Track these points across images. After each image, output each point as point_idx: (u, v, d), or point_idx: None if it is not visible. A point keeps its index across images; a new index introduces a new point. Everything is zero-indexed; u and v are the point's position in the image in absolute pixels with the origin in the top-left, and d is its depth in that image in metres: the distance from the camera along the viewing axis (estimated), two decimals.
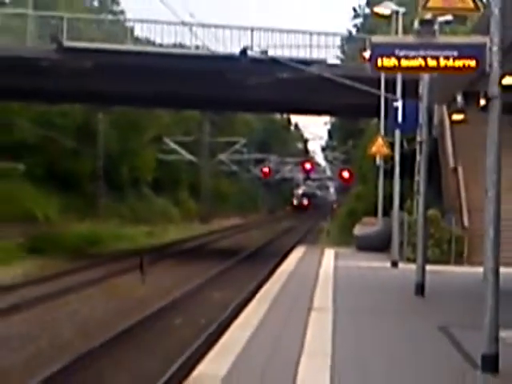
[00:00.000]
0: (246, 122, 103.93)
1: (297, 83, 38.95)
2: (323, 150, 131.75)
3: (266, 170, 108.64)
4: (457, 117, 29.01)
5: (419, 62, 12.59)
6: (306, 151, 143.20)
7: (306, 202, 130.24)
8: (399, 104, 28.82)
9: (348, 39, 53.51)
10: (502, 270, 12.23)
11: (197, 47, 42.06)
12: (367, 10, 73.79)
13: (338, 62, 42.70)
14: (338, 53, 44.71)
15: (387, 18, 35.10)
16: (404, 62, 12.61)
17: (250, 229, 78.02)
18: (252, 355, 12.80)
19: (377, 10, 35.63)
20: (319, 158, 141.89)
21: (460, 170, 35.15)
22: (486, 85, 12.39)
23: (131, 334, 19.76)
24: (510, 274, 15.14)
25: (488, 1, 14.15)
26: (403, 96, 29.72)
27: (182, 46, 43.95)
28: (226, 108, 67.53)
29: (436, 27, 13.29)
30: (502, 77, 12.46)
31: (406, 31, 27.96)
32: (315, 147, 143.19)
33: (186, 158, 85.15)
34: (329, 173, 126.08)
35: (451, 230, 32.74)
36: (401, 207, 31.00)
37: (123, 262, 37.06)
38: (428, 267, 22.21)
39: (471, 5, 13.48)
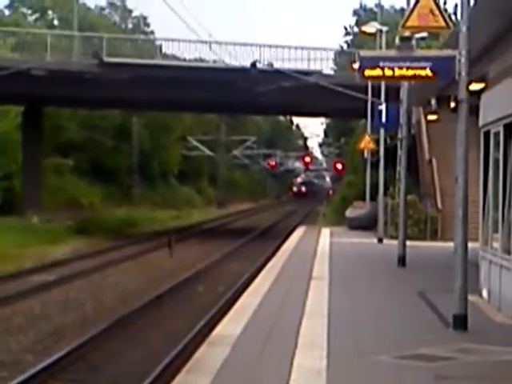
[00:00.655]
0: (255, 123, 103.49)
1: (298, 90, 38.85)
2: (320, 145, 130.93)
3: (272, 162, 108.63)
4: (431, 117, 29.05)
5: (400, 72, 12.65)
6: (306, 147, 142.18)
7: (304, 189, 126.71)
8: (383, 107, 28.73)
9: (340, 53, 53.39)
10: (469, 244, 12.28)
11: (214, 61, 42.21)
12: (356, 29, 73.47)
13: (331, 72, 42.57)
14: (332, 65, 44.57)
15: (373, 35, 34.96)
16: (387, 72, 12.63)
17: (259, 212, 77.76)
18: (262, 317, 12.84)
19: (364, 28, 35.52)
20: (317, 152, 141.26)
21: (434, 161, 35.01)
22: (455, 90, 12.46)
23: (162, 300, 19.78)
24: (475, 248, 15.15)
25: (457, 20, 14.21)
26: (386, 100, 29.58)
27: (201, 60, 44.01)
28: (238, 111, 67.29)
29: (413, 43, 13.32)
30: (469, 83, 12.52)
31: (388, 46, 27.93)
32: (313, 144, 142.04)
33: (205, 154, 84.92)
34: (325, 165, 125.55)
35: (427, 212, 32.71)
36: (385, 193, 30.91)
37: (154, 241, 37.04)
38: (408, 243, 22.20)
39: (443, 23, 13.47)
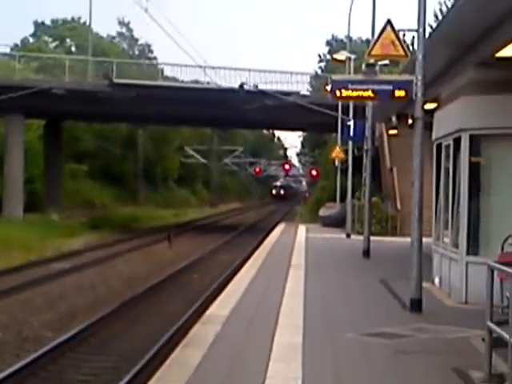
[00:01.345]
0: (243, 135, 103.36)
1: (279, 108, 38.87)
2: (298, 155, 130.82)
3: (257, 169, 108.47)
4: (392, 132, 29.00)
5: (366, 93, 12.70)
6: (286, 156, 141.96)
7: (282, 192, 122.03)
8: (351, 123, 28.75)
9: (315, 77, 53.53)
10: (424, 239, 12.34)
11: (208, 83, 42.07)
12: (328, 57, 73.58)
13: (308, 93, 42.52)
14: (308, 86, 44.58)
15: (343, 62, 34.98)
16: (355, 93, 12.69)
17: (245, 211, 77.73)
18: (248, 299, 12.86)
19: (335, 56, 35.49)
20: (295, 161, 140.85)
21: (394, 169, 35.10)
22: (412, 109, 12.51)
23: (162, 285, 19.76)
24: (428, 242, 15.21)
25: (414, 50, 14.25)
26: (354, 117, 29.60)
27: (197, 81, 43.95)
28: (228, 126, 67.24)
29: (377, 68, 13.32)
30: (424, 103, 12.57)
31: (356, 71, 27.96)
32: (292, 153, 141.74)
33: (200, 161, 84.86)
34: (302, 171, 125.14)
35: (388, 212, 32.83)
36: (353, 196, 31.00)
37: (156, 235, 37.00)
38: (372, 238, 22.21)
39: (402, 52, 13.51)
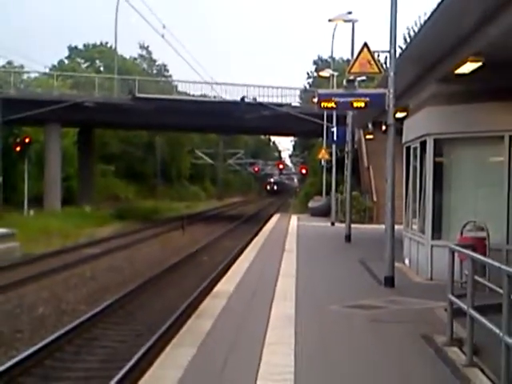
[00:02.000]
0: (244, 140, 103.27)
1: (274, 117, 38.84)
2: (290, 156, 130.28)
3: (256, 168, 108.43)
4: (368, 136, 29.05)
5: (346, 104, 12.72)
6: (280, 157, 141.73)
7: (275, 187, 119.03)
8: (334, 129, 28.68)
9: (304, 91, 53.29)
10: (396, 226, 12.31)
11: (214, 96, 42.15)
12: (315, 74, 73.29)
13: (298, 104, 42.51)
14: (298, 99, 44.52)
15: (327, 78, 34.97)
16: (337, 104, 12.75)
17: (246, 203, 77.64)
18: (248, 279, 12.84)
19: (321, 73, 35.43)
20: (288, 161, 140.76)
21: (371, 168, 35.10)
22: (385, 117, 12.48)
23: (177, 266, 19.76)
24: (400, 229, 15.19)
25: (387, 67, 14.22)
26: (337, 124, 29.56)
27: (205, 95, 43.91)
28: (231, 132, 67.27)
29: (356, 83, 13.30)
30: (395, 112, 12.58)
31: (338, 86, 27.92)
32: (285, 155, 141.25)
33: (208, 162, 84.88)
34: (293, 170, 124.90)
35: (366, 203, 32.83)
36: (336, 190, 30.92)
37: (171, 224, 36.97)
38: (352, 225, 22.20)
39: (377, 70, 13.45)
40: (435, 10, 9.59)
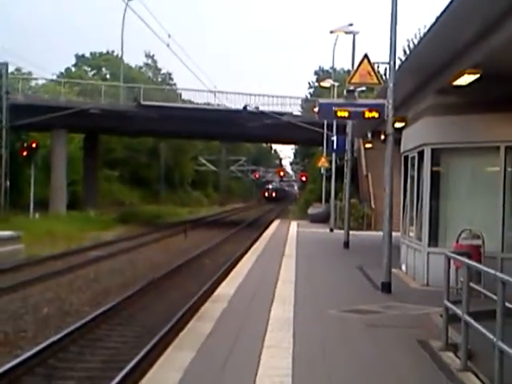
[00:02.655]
0: (246, 147, 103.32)
1: (275, 126, 38.96)
2: (291, 164, 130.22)
3: (257, 175, 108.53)
4: (368, 145, 29.01)
5: (346, 113, 12.73)
6: (281, 165, 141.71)
7: (274, 194, 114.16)
8: (334, 138, 28.75)
9: (305, 100, 53.22)
10: (393, 233, 12.32)
11: (218, 105, 42.11)
12: (316, 84, 73.34)
13: (299, 113, 42.50)
14: (299, 108, 44.47)
15: (328, 88, 35.02)
16: (337, 114, 12.69)
17: (247, 209, 77.62)
18: (248, 282, 12.84)
19: (322, 84, 35.48)
20: (288, 168, 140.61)
21: (369, 176, 35.11)
22: (384, 127, 12.51)
23: (179, 269, 19.74)
24: (397, 236, 15.19)
25: (386, 79, 14.24)
26: (337, 133, 29.59)
27: (208, 104, 43.96)
28: (234, 140, 67.30)
29: (356, 94, 13.33)
30: (394, 122, 12.60)
31: (339, 96, 27.97)
32: (286, 162, 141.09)
33: (211, 169, 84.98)
34: (294, 177, 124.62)
35: (364, 210, 32.82)
36: (335, 197, 30.96)
37: (174, 228, 36.91)
38: (351, 232, 22.25)
39: (377, 81, 13.52)
40: (434, 23, 9.63)
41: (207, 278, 17.23)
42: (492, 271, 6.05)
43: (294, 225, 34.93)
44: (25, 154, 35.38)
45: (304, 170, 78.33)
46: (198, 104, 44.29)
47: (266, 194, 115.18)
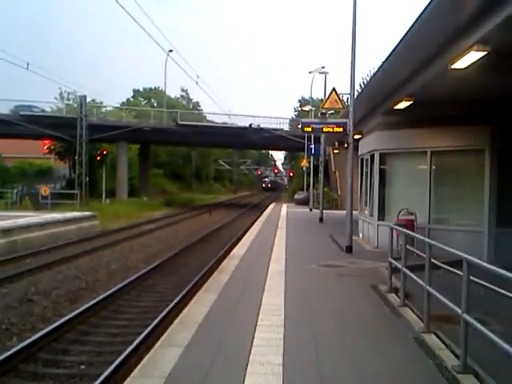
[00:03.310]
0: (251, 153, 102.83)
1: (271, 138, 38.79)
2: (282, 164, 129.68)
3: (259, 172, 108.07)
4: (335, 151, 28.78)
5: (310, 129, 12.64)
6: (275, 164, 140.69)
7: (269, 185, 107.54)
8: (312, 146, 28.76)
9: (292, 120, 52.79)
10: (354, 211, 12.35)
11: (231, 124, 42.03)
12: (299, 108, 72.75)
13: (288, 129, 42.36)
14: (288, 125, 44.24)
15: (307, 111, 34.93)
16: (304, 129, 12.64)
17: (253, 196, 77.28)
18: (255, 244, 12.77)
19: (303, 108, 35.51)
20: (280, 167, 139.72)
21: (337, 172, 35.02)
22: (347, 138, 12.48)
23: (206, 238, 19.59)
24: (356, 213, 15.11)
25: (348, 104, 14.18)
26: (314, 142, 29.57)
27: (225, 123, 43.77)
28: (243, 148, 66.84)
29: (327, 115, 13.29)
30: (354, 135, 12.54)
31: (315, 116, 27.84)
32: (279, 163, 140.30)
33: (227, 168, 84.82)
34: (284, 173, 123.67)
35: (333, 196, 32.74)
36: (313, 187, 30.87)
37: (202, 209, 36.89)
38: (324, 211, 22.27)
39: (341, 106, 13.51)
40: (382, 64, 9.57)
41: (226, 243, 17.13)
42: (422, 237, 6.08)
43: (284, 206, 34.89)
44: (98, 158, 35.42)
45: (291, 168, 77.94)
46: (217, 123, 44.19)
47: (264, 185, 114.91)
